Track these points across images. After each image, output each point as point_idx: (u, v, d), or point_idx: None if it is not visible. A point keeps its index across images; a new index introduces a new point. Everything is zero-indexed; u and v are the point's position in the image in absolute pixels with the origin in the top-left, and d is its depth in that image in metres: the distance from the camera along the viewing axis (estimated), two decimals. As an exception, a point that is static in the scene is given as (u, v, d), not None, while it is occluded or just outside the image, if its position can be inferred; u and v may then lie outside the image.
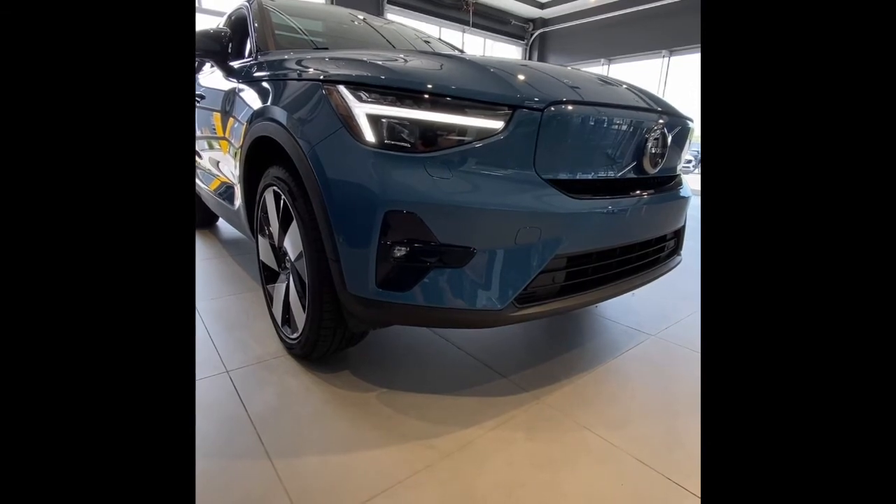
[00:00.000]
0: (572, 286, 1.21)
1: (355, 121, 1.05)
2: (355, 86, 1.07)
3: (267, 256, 1.56)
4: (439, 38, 2.83)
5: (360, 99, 1.05)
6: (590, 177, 1.17)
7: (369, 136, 1.04)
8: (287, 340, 1.45)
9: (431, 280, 1.05)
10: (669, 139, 1.31)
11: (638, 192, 1.28)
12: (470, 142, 1.02)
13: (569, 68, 1.51)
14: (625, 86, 1.43)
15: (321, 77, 1.15)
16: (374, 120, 1.04)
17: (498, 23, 9.85)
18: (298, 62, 1.32)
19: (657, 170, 1.30)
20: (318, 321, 1.25)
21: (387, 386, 1.32)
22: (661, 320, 1.89)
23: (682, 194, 1.50)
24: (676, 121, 1.40)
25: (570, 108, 1.07)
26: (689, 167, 14.31)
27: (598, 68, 9.57)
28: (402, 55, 1.27)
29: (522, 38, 10.50)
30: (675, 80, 8.64)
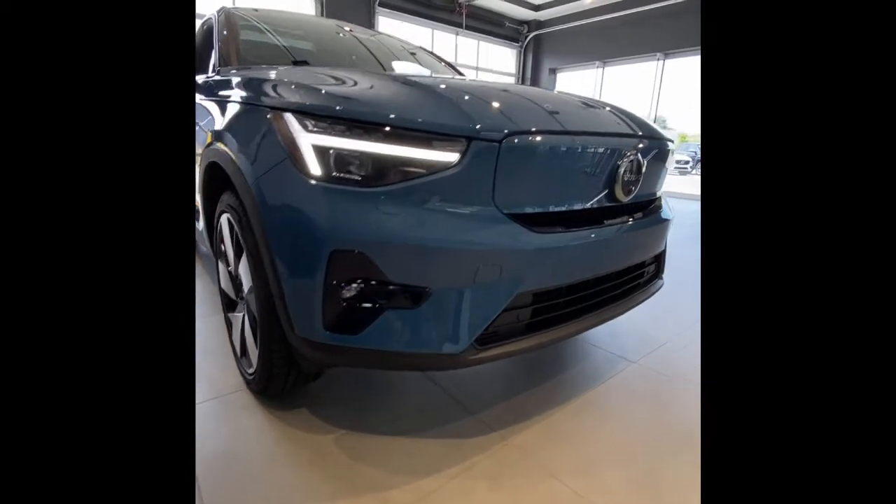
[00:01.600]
0: (540, 322, 1.14)
1: (300, 151, 0.97)
2: (301, 114, 0.99)
3: (226, 283, 1.48)
4: (425, 49, 2.76)
5: (306, 128, 0.98)
6: (556, 209, 1.10)
7: (315, 168, 0.96)
8: (245, 374, 1.38)
9: (384, 322, 0.98)
10: (645, 164, 1.23)
11: (611, 221, 1.20)
12: (423, 175, 0.95)
13: (549, 91, 1.44)
14: (607, 108, 1.36)
15: (267, 103, 1.07)
16: (321, 151, 0.96)
17: (491, 25, 9.77)
18: (248, 83, 1.25)
19: (631, 197, 1.23)
20: (269, 360, 1.18)
21: (347, 426, 1.25)
22: (643, 344, 1.82)
23: (661, 218, 1.43)
24: (654, 144, 1.33)
25: (530, 138, 1.00)
26: (686, 168, 14.20)
27: (592, 71, 9.51)
28: (357, 77, 1.19)
29: (517, 41, 10.43)
30: (669, 83, 8.58)
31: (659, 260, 1.58)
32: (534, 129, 1.01)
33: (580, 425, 1.29)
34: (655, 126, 1.49)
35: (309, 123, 0.97)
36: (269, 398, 1.34)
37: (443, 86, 1.15)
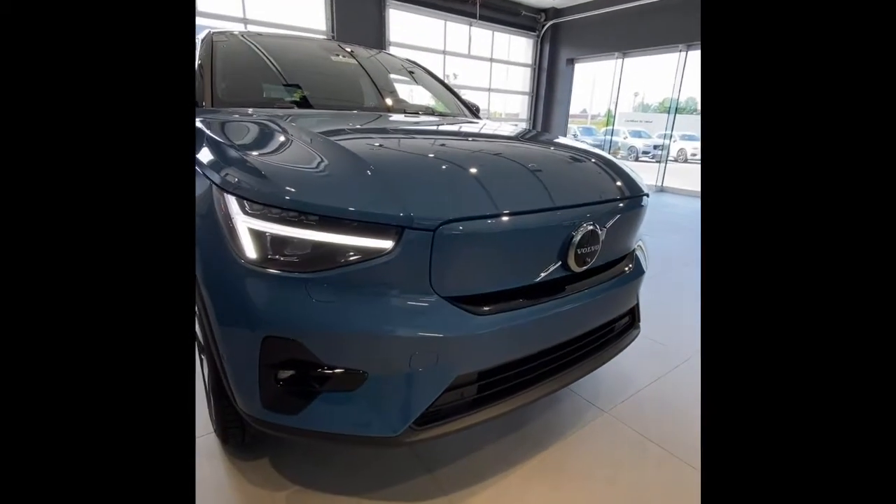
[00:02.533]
0: (488, 397, 1.12)
1: (237, 234, 0.97)
2: (239, 196, 0.98)
3: (198, 326, 1.51)
4: (423, 67, 2.69)
5: (243, 210, 0.97)
6: (502, 288, 1.07)
7: (250, 251, 0.96)
8: (211, 420, 1.41)
9: (320, 405, 0.98)
10: (605, 231, 1.18)
11: (566, 292, 1.17)
12: (357, 262, 0.93)
13: (516, 153, 1.34)
14: (592, 160, 1.30)
15: (214, 179, 1.06)
16: (256, 235, 0.95)
17: (507, 14, 9.48)
18: (205, 145, 1.23)
19: (590, 266, 1.18)
20: (223, 419, 1.20)
21: (303, 482, 1.27)
22: (618, 389, 1.79)
23: (631, 276, 1.38)
24: (622, 206, 1.28)
25: (466, 224, 0.96)
26: (695, 158, 13.64)
27: (611, 63, 9.17)
28: (304, 149, 1.15)
29: (533, 30, 10.10)
30: (692, 76, 8.20)
31: (632, 313, 1.53)
32: (470, 216, 0.97)
33: (531, 491, 1.27)
34: (633, 179, 1.43)
35: (246, 205, 0.97)
36: (233, 447, 1.37)
37: (387, 161, 1.11)
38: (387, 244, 0.93)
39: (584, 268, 1.17)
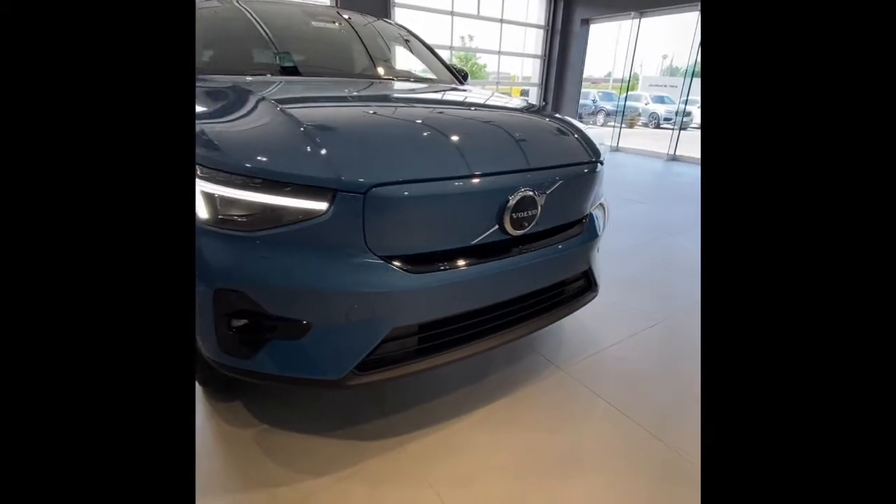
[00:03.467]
0: (431, 348, 1.22)
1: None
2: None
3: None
4: (411, 32, 2.68)
5: (199, 174, 1.06)
6: (436, 249, 1.14)
7: (203, 212, 1.05)
8: (193, 368, 1.56)
9: (270, 350, 1.10)
10: (544, 198, 1.23)
11: (507, 253, 1.23)
12: (295, 222, 1.02)
13: (462, 117, 1.37)
14: (549, 126, 1.31)
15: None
16: (207, 197, 1.05)
17: (521, -29, 9.06)
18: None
19: (529, 230, 1.24)
20: (199, 364, 1.34)
21: (270, 422, 1.41)
22: (578, 349, 1.87)
23: (581, 240, 1.44)
24: (567, 172, 1.32)
25: (397, 188, 1.03)
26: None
27: (627, 23, 8.74)
28: (250, 117, 1.22)
29: (548, -12, 9.65)
30: (712, 36, 7.76)
31: (587, 276, 1.59)
32: (401, 180, 1.04)
33: (476, 437, 1.39)
34: (585, 146, 1.46)
35: (199, 170, 1.05)
36: (212, 390, 1.52)
37: (326, 127, 1.17)
38: (321, 206, 1.01)
39: (523, 231, 1.23)
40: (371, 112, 1.38)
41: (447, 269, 1.13)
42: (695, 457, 1.33)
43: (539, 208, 1.23)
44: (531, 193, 1.19)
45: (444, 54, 8.51)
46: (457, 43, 8.74)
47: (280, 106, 1.21)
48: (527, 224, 1.22)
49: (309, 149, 1.05)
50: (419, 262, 1.11)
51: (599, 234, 1.53)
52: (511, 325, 1.36)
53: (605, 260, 1.80)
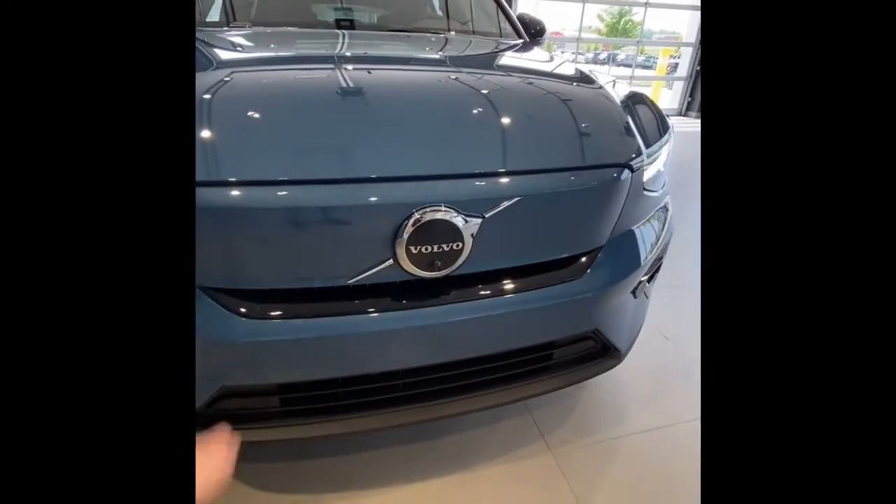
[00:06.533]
0: (309, 411, 0.89)
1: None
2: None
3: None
4: None
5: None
6: (292, 286, 0.77)
7: None
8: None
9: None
10: (484, 222, 0.74)
11: (411, 301, 0.80)
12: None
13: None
14: (550, 98, 0.86)
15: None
16: None
17: None
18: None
19: (457, 270, 0.78)
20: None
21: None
22: (587, 426, 1.33)
23: (583, 287, 0.91)
24: (553, 180, 0.80)
25: (238, 189, 0.67)
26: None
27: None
28: None
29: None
30: None
31: (597, 338, 1.05)
32: (224, 180, 0.67)
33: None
34: (605, 139, 0.90)
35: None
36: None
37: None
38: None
39: (443, 273, 0.77)
40: (270, 79, 1.00)
41: (307, 316, 0.76)
42: None
43: (466, 238, 0.75)
44: (447, 215, 0.72)
45: (576, 6, 7.38)
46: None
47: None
48: (441, 263, 0.76)
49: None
50: (259, 299, 0.76)
51: (631, 272, 0.97)
52: (442, 395, 0.94)
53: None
